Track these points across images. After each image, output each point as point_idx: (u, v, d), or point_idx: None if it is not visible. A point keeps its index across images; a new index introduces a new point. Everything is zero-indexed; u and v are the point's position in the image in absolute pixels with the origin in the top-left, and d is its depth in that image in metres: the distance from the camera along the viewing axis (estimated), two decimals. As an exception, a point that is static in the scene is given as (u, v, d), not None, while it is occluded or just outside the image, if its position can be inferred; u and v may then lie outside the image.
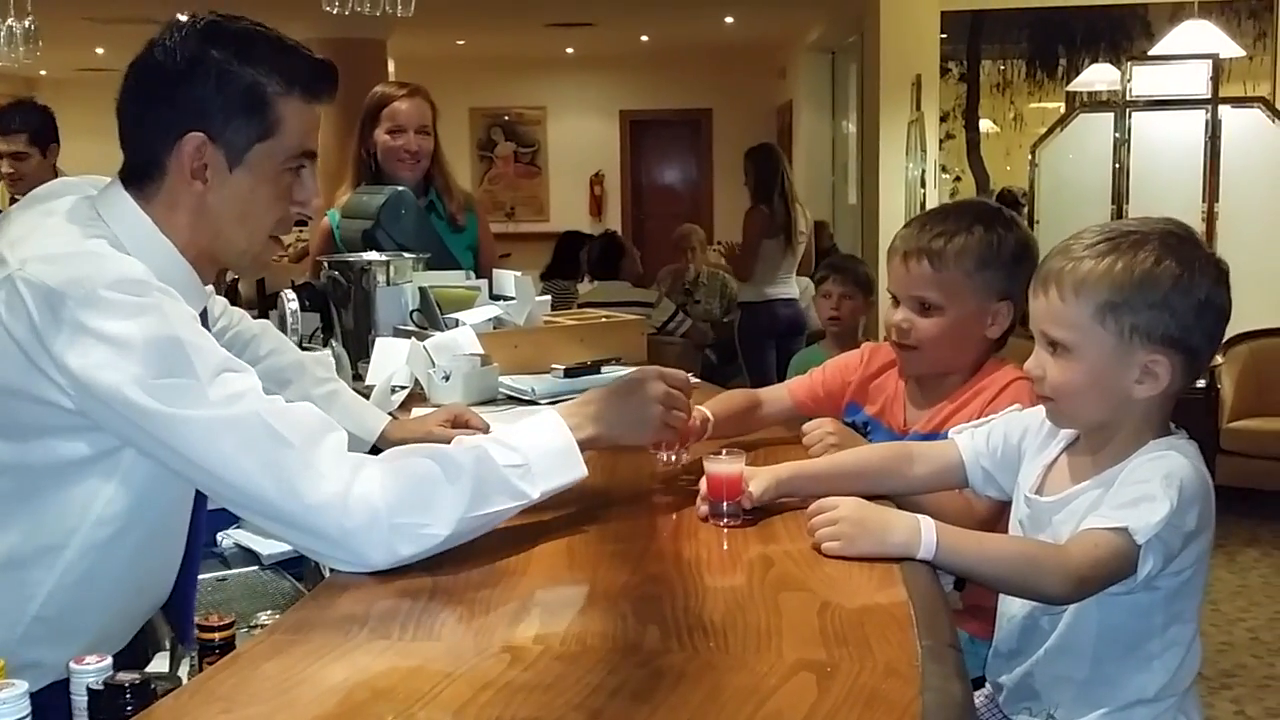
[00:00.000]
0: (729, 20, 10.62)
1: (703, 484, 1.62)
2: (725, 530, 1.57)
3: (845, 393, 2.19)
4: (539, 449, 1.50)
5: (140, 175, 1.49)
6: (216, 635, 1.26)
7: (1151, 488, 1.43)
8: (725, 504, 1.58)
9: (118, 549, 1.47)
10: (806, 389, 2.23)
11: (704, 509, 1.61)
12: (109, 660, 1.19)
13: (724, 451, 1.62)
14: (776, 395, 2.23)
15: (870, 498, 1.56)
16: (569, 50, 12.66)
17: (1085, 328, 1.49)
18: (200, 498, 1.59)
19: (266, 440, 1.33)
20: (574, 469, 1.54)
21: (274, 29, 1.53)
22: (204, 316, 1.59)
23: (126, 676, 1.11)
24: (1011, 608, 1.64)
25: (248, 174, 1.48)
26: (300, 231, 11.59)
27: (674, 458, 1.86)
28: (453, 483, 1.39)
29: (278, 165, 1.49)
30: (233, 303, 2.74)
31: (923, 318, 1.99)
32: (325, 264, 2.91)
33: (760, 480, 1.61)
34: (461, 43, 11.49)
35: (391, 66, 10.38)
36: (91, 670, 1.17)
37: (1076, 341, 1.50)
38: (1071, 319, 1.49)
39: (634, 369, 1.71)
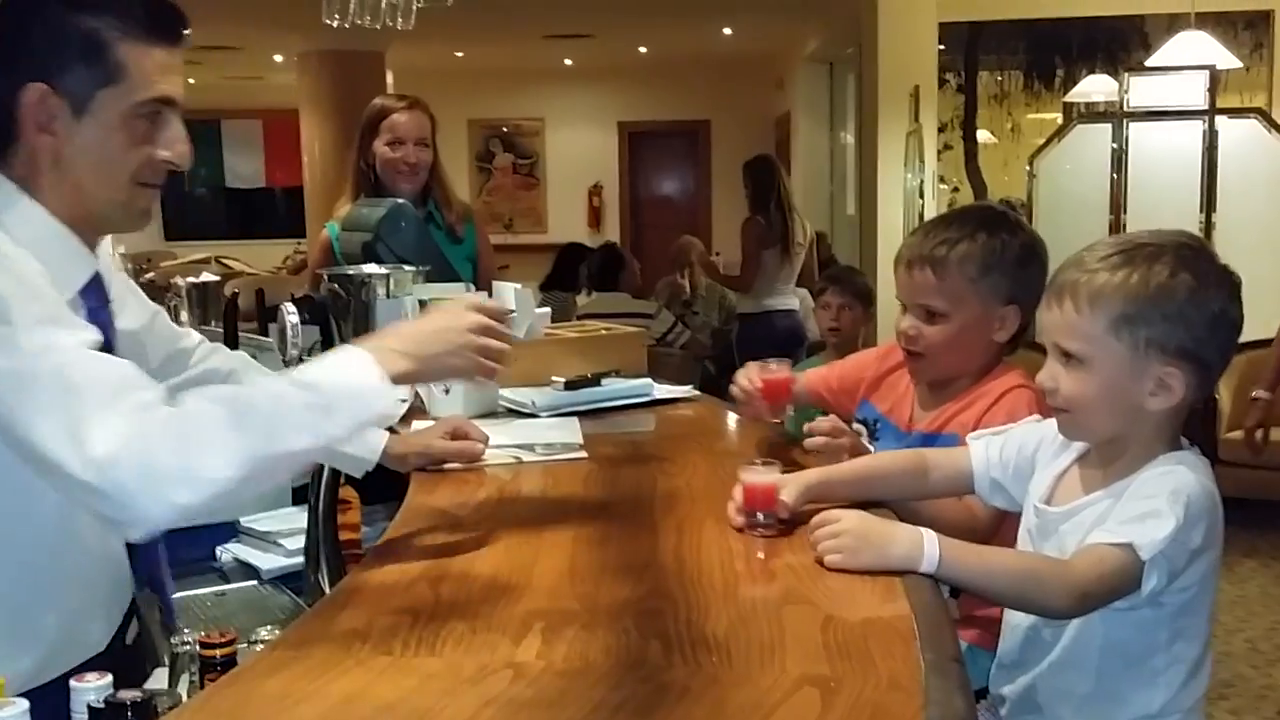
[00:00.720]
0: (727, 32, 10.64)
1: (737, 494, 1.63)
2: (727, 544, 1.57)
3: (859, 389, 2.21)
4: (341, 386, 1.41)
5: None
6: (218, 652, 1.26)
7: (1158, 503, 1.43)
8: (761, 514, 1.59)
9: (23, 536, 1.45)
10: (820, 380, 2.25)
11: (739, 519, 1.62)
12: (109, 678, 1.19)
13: (759, 461, 1.64)
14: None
15: (872, 504, 1.57)
16: (567, 62, 12.68)
17: (1100, 340, 1.49)
18: None
19: (60, 392, 1.27)
20: (381, 402, 1.43)
21: None
22: (97, 284, 1.54)
23: (128, 694, 1.10)
24: (1015, 618, 1.64)
25: (95, 121, 1.45)
26: (299, 244, 11.64)
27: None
28: (239, 423, 1.31)
29: (127, 111, 1.47)
30: (232, 314, 2.76)
31: (929, 325, 2.01)
32: (325, 277, 2.90)
33: (791, 488, 1.62)
34: (460, 54, 11.51)
35: (390, 78, 10.40)
36: (92, 688, 1.17)
37: (1090, 353, 1.50)
38: (1086, 331, 1.50)
39: (448, 299, 1.62)
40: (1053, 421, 1.62)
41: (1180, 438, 1.56)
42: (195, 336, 1.89)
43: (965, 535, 1.67)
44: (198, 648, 1.52)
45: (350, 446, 1.93)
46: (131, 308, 1.74)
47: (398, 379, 1.44)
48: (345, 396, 1.40)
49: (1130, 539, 1.41)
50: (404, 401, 2.43)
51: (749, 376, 2.14)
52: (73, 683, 1.17)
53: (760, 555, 1.54)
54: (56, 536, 1.49)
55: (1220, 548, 1.52)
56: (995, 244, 1.99)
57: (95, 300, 1.52)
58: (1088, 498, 1.56)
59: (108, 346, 1.49)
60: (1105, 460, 1.57)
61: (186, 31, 1.52)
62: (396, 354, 1.45)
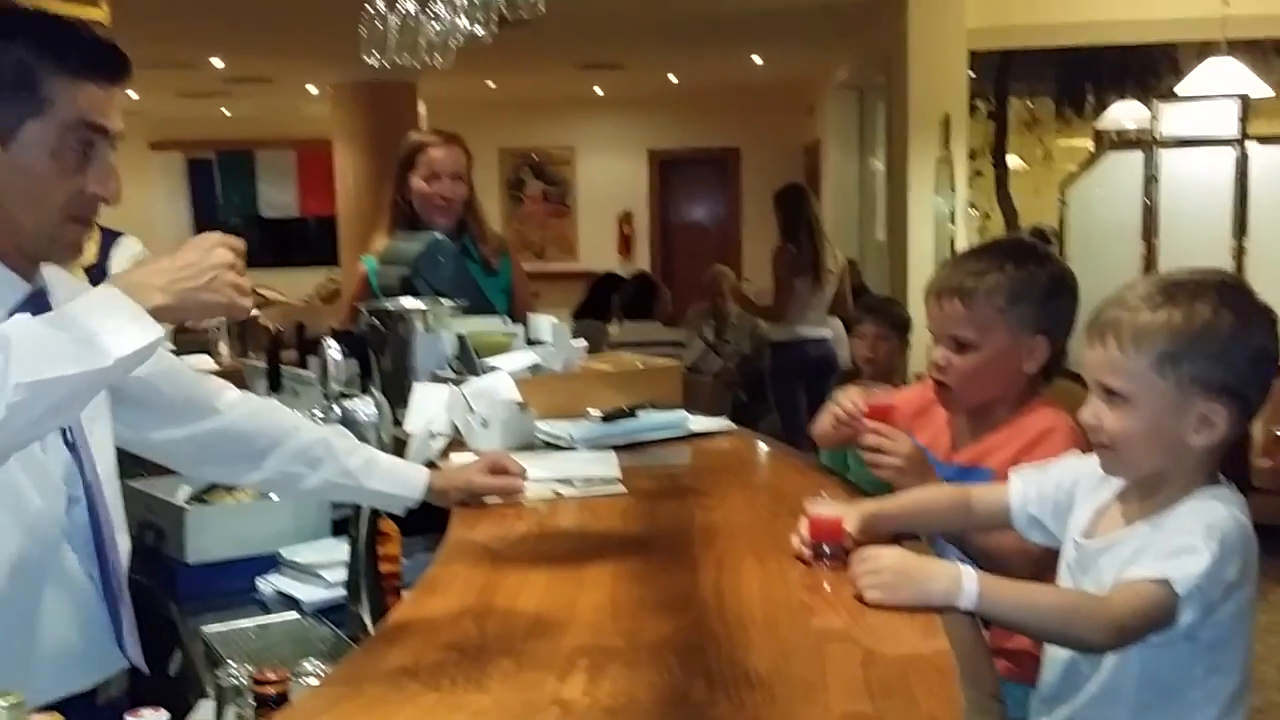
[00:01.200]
0: (757, 60, 10.69)
1: (802, 527, 1.66)
2: (766, 579, 1.59)
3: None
4: (94, 323, 1.34)
5: None
6: (272, 689, 1.28)
7: (1193, 539, 1.45)
8: (828, 546, 1.63)
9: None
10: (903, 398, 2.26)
11: (806, 552, 1.64)
12: (165, 714, 1.22)
13: (823, 495, 1.67)
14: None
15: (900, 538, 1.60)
16: (598, 91, 12.77)
17: (1143, 377, 1.51)
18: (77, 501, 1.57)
19: None
20: (149, 332, 1.36)
21: (50, 10, 1.54)
22: (40, 299, 1.54)
23: (186, 729, 1.13)
24: (1055, 653, 1.66)
25: (23, 151, 1.48)
26: (331, 272, 11.75)
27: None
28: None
29: (54, 142, 1.48)
30: (275, 349, 2.80)
31: (958, 355, 2.04)
32: (364, 310, 2.94)
33: (851, 519, 1.65)
34: (491, 84, 11.60)
35: (422, 108, 10.51)
36: (149, 723, 1.19)
37: (1134, 391, 1.52)
38: (1130, 369, 1.52)
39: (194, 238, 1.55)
40: (1092, 457, 1.63)
41: (1217, 473, 1.58)
42: (218, 383, 1.90)
43: (1021, 564, 1.70)
44: (244, 681, 1.55)
45: (392, 488, 1.97)
46: None
47: (156, 315, 1.39)
48: (104, 328, 1.34)
49: (1166, 574, 1.43)
50: (442, 435, 2.47)
51: (853, 400, 2.11)
52: (127, 716, 1.20)
53: (800, 591, 1.55)
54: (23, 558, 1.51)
55: (1255, 582, 1.53)
56: (1024, 275, 2.01)
57: None
58: (1125, 531, 1.57)
59: None
60: (1144, 495, 1.59)
61: (125, 71, 1.54)
62: (153, 289, 1.40)
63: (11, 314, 1.46)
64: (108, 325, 1.33)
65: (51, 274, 1.62)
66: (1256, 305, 1.54)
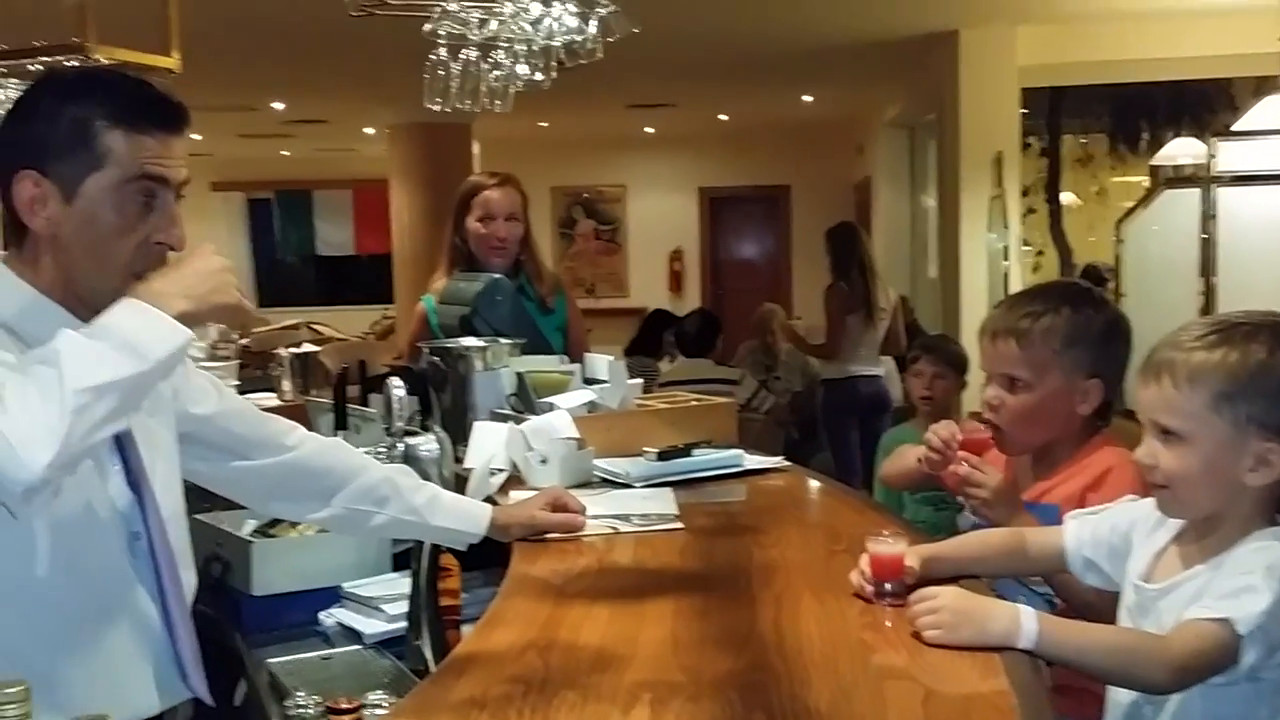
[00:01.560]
0: (807, 99, 10.74)
1: (864, 564, 1.68)
2: (825, 616, 1.60)
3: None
4: (131, 329, 1.42)
5: (7, 227, 1.55)
6: (347, 717, 1.32)
7: (1254, 579, 1.45)
8: (889, 584, 1.64)
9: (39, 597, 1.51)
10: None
11: (869, 589, 1.66)
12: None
13: (885, 533, 1.69)
14: None
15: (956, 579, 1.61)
16: (649, 130, 12.88)
17: (1200, 417, 1.52)
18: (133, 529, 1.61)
19: None
20: (176, 337, 1.45)
21: (114, 69, 1.59)
22: None
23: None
24: (1118, 695, 1.65)
25: (86, 205, 1.53)
26: (386, 309, 11.90)
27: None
28: (43, 381, 1.35)
29: (115, 195, 1.54)
30: (341, 387, 2.86)
31: (1011, 395, 2.06)
32: (425, 349, 3.00)
33: (912, 557, 1.67)
34: (544, 124, 11.74)
35: (476, 148, 10.65)
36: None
37: (1191, 430, 1.53)
38: (1186, 408, 1.53)
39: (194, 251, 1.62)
40: (1149, 500, 1.64)
41: (1276, 513, 1.58)
42: (286, 423, 1.96)
43: (1093, 601, 1.70)
44: (313, 710, 1.59)
45: (457, 524, 2.01)
46: (209, 395, 1.82)
47: (180, 320, 1.46)
48: (142, 331, 1.42)
49: (1227, 614, 1.43)
50: (501, 472, 2.51)
51: (950, 431, 2.12)
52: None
53: (858, 629, 1.57)
54: (74, 599, 1.56)
55: None
56: (1080, 319, 2.03)
57: None
58: (1185, 574, 1.58)
59: None
60: (1201, 536, 1.59)
61: (182, 120, 1.60)
62: (172, 297, 1.47)
63: None
64: (143, 332, 1.42)
65: None
66: None
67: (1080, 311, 2.04)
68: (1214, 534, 1.57)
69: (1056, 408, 2.05)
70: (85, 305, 1.57)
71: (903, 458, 2.33)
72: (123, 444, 1.60)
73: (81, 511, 1.56)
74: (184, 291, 1.49)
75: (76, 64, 1.61)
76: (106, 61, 3.22)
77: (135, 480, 1.61)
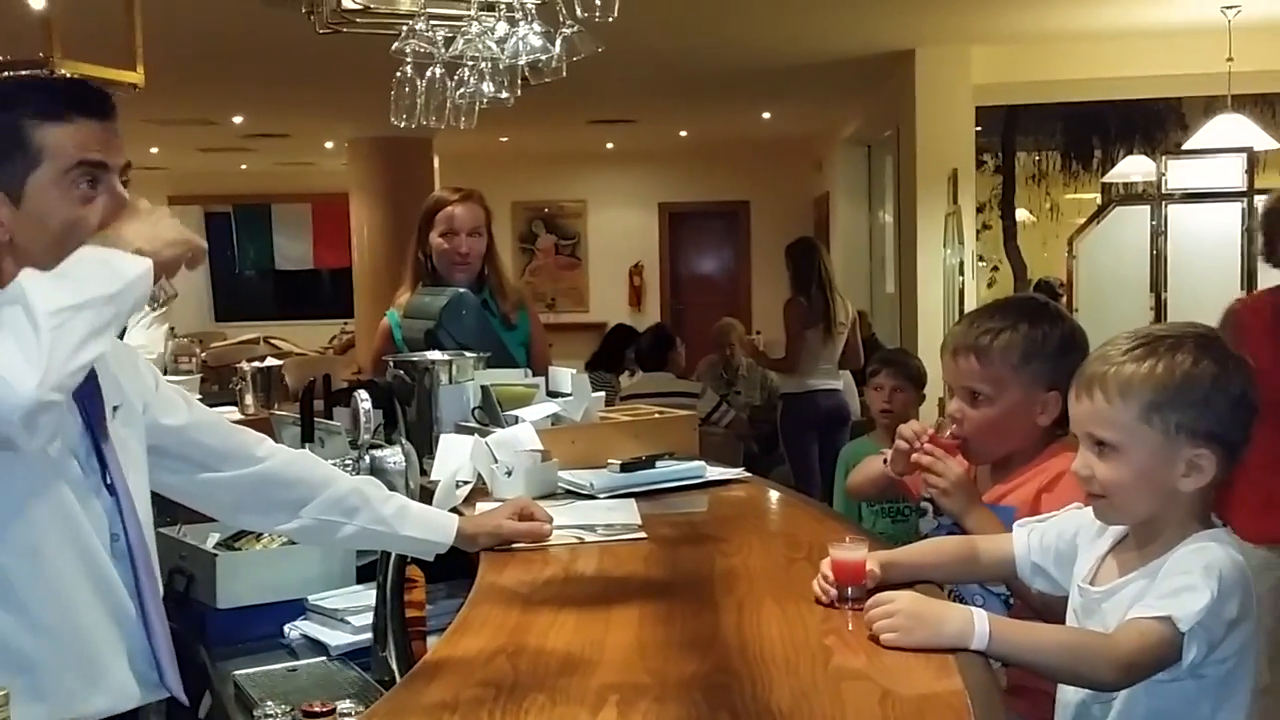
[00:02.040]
0: (766, 116, 10.84)
1: (825, 568, 1.72)
2: (785, 621, 1.65)
3: None
4: (94, 258, 1.50)
5: None
6: (319, 720, 1.34)
7: (1193, 578, 1.52)
8: (851, 588, 1.69)
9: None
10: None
11: (832, 593, 1.70)
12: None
13: (847, 539, 1.75)
14: None
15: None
16: (609, 145, 12.94)
17: (1131, 428, 1.58)
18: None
19: None
20: (134, 266, 1.50)
21: (29, 71, 1.63)
22: None
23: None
24: (1067, 694, 1.71)
25: (34, 204, 1.57)
26: (345, 324, 11.85)
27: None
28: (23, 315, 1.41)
29: (58, 187, 1.58)
30: (308, 400, 2.87)
31: (974, 408, 2.13)
32: (390, 363, 3.02)
33: (872, 563, 1.72)
34: (505, 139, 11.77)
35: (436, 163, 10.66)
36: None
37: (1123, 441, 1.59)
38: (1118, 420, 1.59)
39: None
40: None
41: (1210, 515, 1.65)
42: (255, 435, 1.99)
43: (1050, 603, 1.78)
44: (284, 718, 1.61)
45: (425, 534, 2.03)
46: (179, 407, 1.85)
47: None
48: (105, 263, 1.49)
49: (1169, 612, 1.49)
50: (467, 484, 2.54)
51: (921, 426, 2.20)
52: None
53: (818, 633, 1.61)
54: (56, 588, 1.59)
55: (1255, 620, 1.60)
56: (1036, 334, 2.10)
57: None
58: (1126, 578, 1.64)
59: (90, 421, 1.62)
60: (1142, 542, 1.66)
61: (106, 104, 1.64)
62: (128, 242, 1.52)
63: None
64: (108, 263, 1.49)
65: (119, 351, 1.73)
66: (1233, 355, 1.63)
67: (1037, 327, 2.11)
68: (1153, 539, 1.63)
69: (1017, 419, 2.12)
70: None
71: (869, 465, 2.39)
72: (100, 450, 1.63)
73: (68, 505, 1.59)
74: (135, 235, 1.54)
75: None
76: (71, 76, 3.23)
77: (112, 484, 1.64)
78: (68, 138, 1.59)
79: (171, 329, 4.57)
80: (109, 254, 1.50)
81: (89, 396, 1.62)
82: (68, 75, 1.67)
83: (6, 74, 1.63)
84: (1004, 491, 2.13)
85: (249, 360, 4.56)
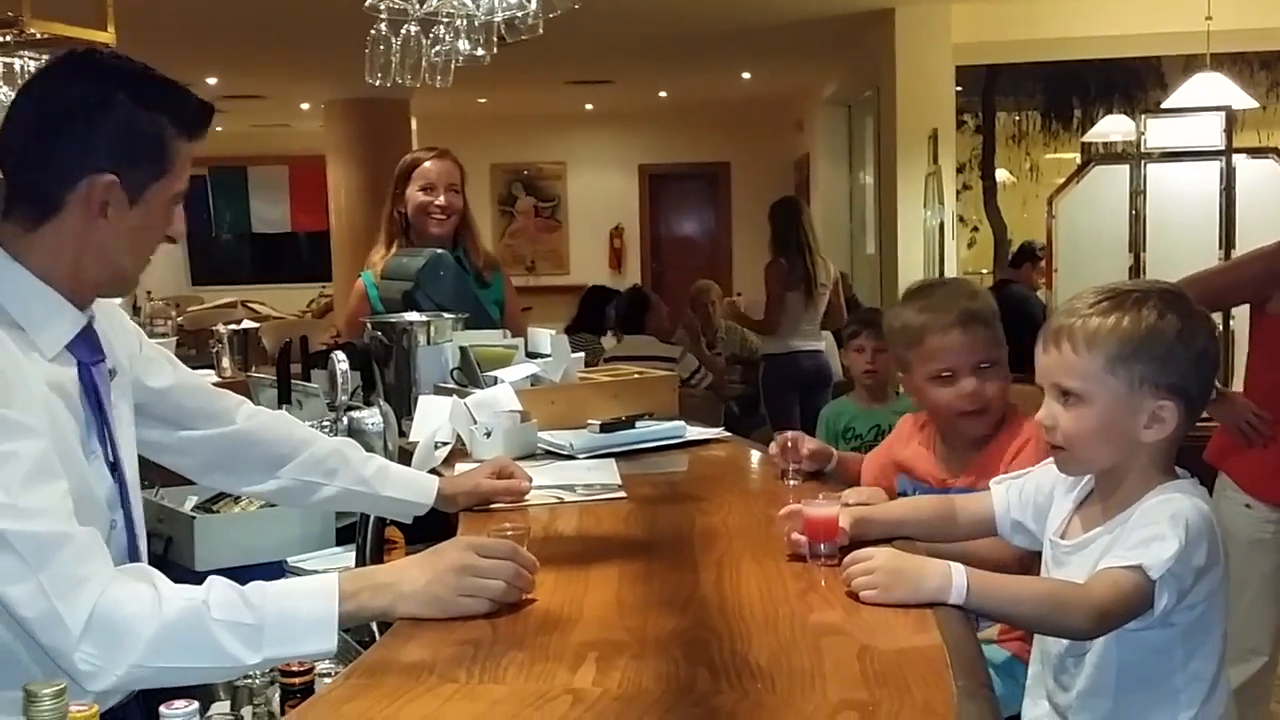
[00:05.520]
0: (746, 76, 10.79)
1: (798, 525, 1.72)
2: (765, 579, 1.65)
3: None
4: (283, 613, 1.41)
5: (26, 209, 1.52)
6: (297, 680, 1.34)
7: (1160, 528, 1.54)
8: (824, 545, 1.69)
9: None
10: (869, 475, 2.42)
11: (803, 550, 1.71)
12: (195, 705, 1.28)
13: (820, 496, 1.75)
14: None
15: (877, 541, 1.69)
16: (588, 106, 12.86)
17: (1097, 378, 1.60)
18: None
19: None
20: (318, 642, 1.43)
21: (158, 69, 1.59)
22: (87, 339, 1.58)
23: (221, 717, 1.19)
24: (1040, 643, 1.74)
25: (144, 209, 1.55)
26: (323, 288, 11.79)
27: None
28: (142, 626, 1.35)
29: (168, 201, 1.58)
30: (285, 363, 2.85)
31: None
32: (368, 324, 3.01)
33: (844, 519, 1.73)
34: (483, 100, 11.69)
35: (414, 124, 10.58)
36: (180, 714, 1.25)
37: (1089, 391, 1.61)
38: (1084, 370, 1.61)
39: (448, 541, 1.63)
40: None
41: (1174, 468, 1.67)
42: (235, 397, 1.97)
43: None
44: (263, 678, 1.61)
45: (405, 494, 2.03)
46: (163, 370, 1.83)
47: (372, 616, 1.53)
48: (283, 624, 1.40)
49: (1139, 560, 1.52)
50: (446, 445, 2.53)
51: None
52: (162, 709, 1.26)
53: (797, 590, 1.61)
54: None
55: (1223, 567, 1.63)
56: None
57: (86, 355, 1.57)
58: (1092, 533, 1.67)
59: (97, 402, 1.56)
60: (1105, 494, 1.68)
61: (210, 124, 1.63)
62: (377, 591, 1.47)
63: (68, 346, 1.53)
64: (282, 627, 1.40)
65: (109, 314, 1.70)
66: (1197, 311, 1.65)
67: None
68: (1115, 490, 1.66)
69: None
70: (94, 290, 1.59)
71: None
72: (106, 429, 1.59)
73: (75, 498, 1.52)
74: (399, 590, 1.48)
75: (114, 55, 1.57)
76: (41, 35, 3.18)
77: (114, 462, 1.60)
78: (188, 156, 1.59)
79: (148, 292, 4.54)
80: (320, 620, 1.42)
81: (97, 372, 1.58)
82: (200, 99, 1.61)
83: (143, 70, 1.56)
84: (976, 476, 2.13)
85: (226, 324, 4.53)
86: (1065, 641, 1.67)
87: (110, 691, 1.38)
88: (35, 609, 1.32)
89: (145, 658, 1.34)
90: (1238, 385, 3.24)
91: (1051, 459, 1.78)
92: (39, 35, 3.20)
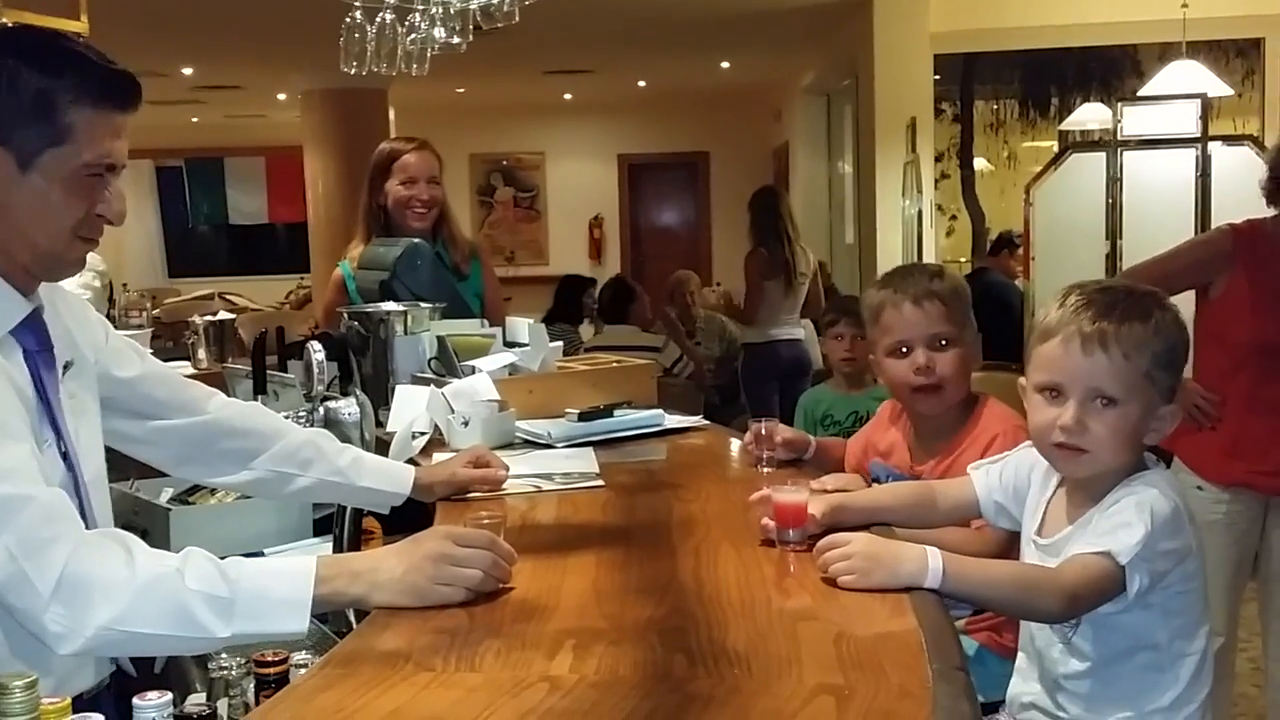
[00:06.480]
0: (724, 65, 10.78)
1: (770, 512, 1.73)
2: (742, 566, 1.65)
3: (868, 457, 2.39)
4: (257, 590, 1.41)
5: None
6: (271, 670, 1.34)
7: (1127, 515, 1.57)
8: (793, 531, 1.69)
9: None
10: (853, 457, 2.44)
11: (772, 536, 1.71)
12: (169, 696, 1.27)
13: (789, 482, 1.75)
14: None
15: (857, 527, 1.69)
16: (567, 96, 12.83)
17: (1136, 384, 1.61)
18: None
19: None
20: (290, 622, 1.41)
21: (80, 39, 1.54)
22: (34, 327, 1.56)
23: (194, 708, 1.18)
24: (1026, 627, 1.76)
25: (41, 177, 1.50)
26: (301, 279, 11.74)
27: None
28: (113, 587, 1.35)
29: (71, 178, 1.52)
30: (260, 353, 2.84)
31: (940, 353, 2.20)
32: (345, 314, 2.99)
33: (817, 506, 1.73)
34: (461, 90, 11.65)
35: (392, 114, 10.53)
36: (153, 705, 1.24)
37: (1126, 396, 1.62)
38: (1127, 376, 1.61)
39: (426, 530, 1.63)
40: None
41: (1142, 458, 1.69)
42: (207, 389, 1.95)
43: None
44: (236, 673, 1.60)
45: (381, 484, 2.02)
46: (131, 360, 1.81)
47: (348, 603, 1.52)
48: (255, 601, 1.40)
49: (1107, 547, 1.55)
50: (423, 435, 2.52)
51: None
52: (136, 701, 1.25)
53: (774, 576, 1.62)
54: None
55: (1197, 549, 1.65)
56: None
57: (33, 343, 1.55)
58: (1070, 529, 1.68)
59: (42, 390, 1.54)
60: (1085, 485, 1.69)
61: (139, 98, 1.57)
62: (354, 578, 1.47)
63: (11, 332, 1.51)
64: (254, 603, 1.39)
65: (44, 289, 1.65)
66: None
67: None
68: (1096, 484, 1.67)
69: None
70: (29, 271, 1.56)
71: None
72: (55, 418, 1.57)
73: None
74: (374, 579, 1.47)
75: (25, 27, 1.52)
76: (13, 25, 3.15)
77: (66, 452, 1.59)
78: (101, 128, 1.52)
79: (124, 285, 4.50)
80: (292, 601, 1.41)
81: (43, 361, 1.56)
82: (104, 54, 1.55)
83: (51, 37, 1.51)
84: (947, 466, 2.15)
85: (201, 315, 4.51)
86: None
87: (81, 654, 1.38)
88: (2, 571, 1.32)
89: (115, 620, 1.35)
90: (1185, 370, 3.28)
91: (1027, 443, 1.79)
92: (10, 24, 3.16)
